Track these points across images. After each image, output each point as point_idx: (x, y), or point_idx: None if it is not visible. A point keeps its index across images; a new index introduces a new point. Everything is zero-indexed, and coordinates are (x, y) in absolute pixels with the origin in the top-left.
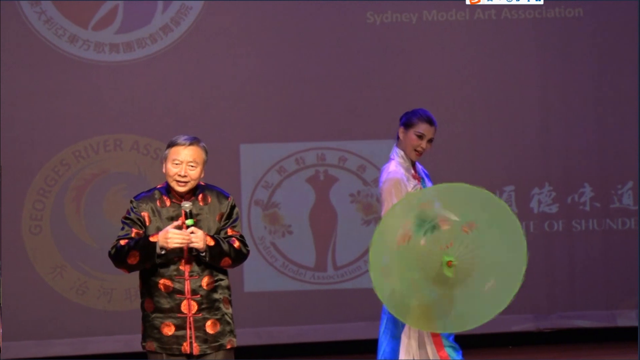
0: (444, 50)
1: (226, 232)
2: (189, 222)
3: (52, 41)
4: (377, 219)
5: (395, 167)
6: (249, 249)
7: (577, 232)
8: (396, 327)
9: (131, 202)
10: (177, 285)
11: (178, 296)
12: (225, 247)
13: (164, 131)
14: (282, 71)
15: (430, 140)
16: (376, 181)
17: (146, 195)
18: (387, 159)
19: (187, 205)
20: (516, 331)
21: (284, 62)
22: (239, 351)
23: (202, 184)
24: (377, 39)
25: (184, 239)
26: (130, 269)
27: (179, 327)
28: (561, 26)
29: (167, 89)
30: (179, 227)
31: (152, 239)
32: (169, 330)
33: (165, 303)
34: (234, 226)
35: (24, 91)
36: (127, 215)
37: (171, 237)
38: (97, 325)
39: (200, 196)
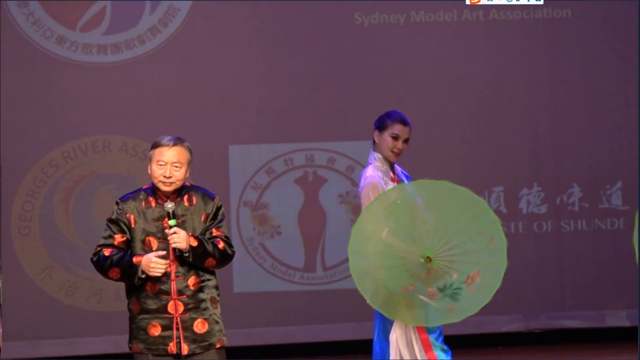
0: (432, 51)
1: (211, 233)
2: (172, 222)
3: (39, 43)
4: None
5: (373, 172)
6: (234, 249)
7: (566, 232)
8: (387, 329)
9: (117, 203)
10: (163, 286)
11: (164, 297)
12: (209, 247)
13: (153, 132)
14: (271, 72)
15: (406, 141)
16: None
17: (132, 196)
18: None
19: (169, 205)
20: (506, 332)
21: (272, 63)
22: (228, 352)
23: (188, 184)
24: (365, 40)
25: (165, 269)
26: (110, 279)
27: (165, 328)
28: (549, 27)
29: (155, 91)
30: (164, 257)
31: (135, 261)
32: (155, 330)
33: (152, 304)
34: (219, 227)
35: (12, 93)
36: (111, 217)
37: (153, 266)
38: (87, 326)
39: (185, 197)
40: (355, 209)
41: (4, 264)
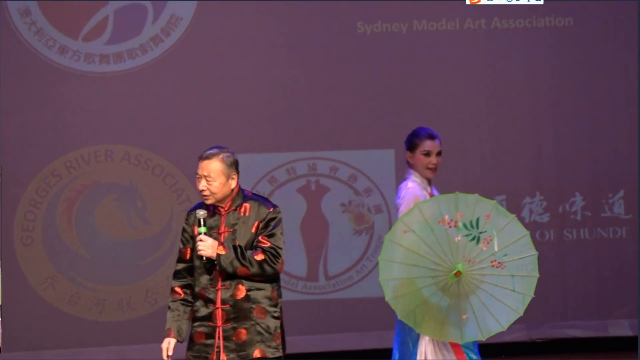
0: (435, 60)
1: (258, 242)
2: (201, 229)
3: (42, 52)
4: (369, 229)
5: (413, 184)
6: (279, 261)
7: (568, 241)
8: (403, 332)
9: (187, 214)
10: (211, 295)
11: (211, 305)
12: (240, 257)
13: (155, 142)
14: (273, 82)
15: (438, 154)
16: (367, 190)
17: (197, 207)
18: (379, 168)
19: (201, 213)
20: (509, 341)
21: (274, 72)
22: None
23: (249, 193)
24: (367, 49)
25: (207, 254)
26: None
27: (208, 336)
28: (551, 35)
29: (157, 100)
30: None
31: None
32: (200, 338)
33: (202, 311)
34: (268, 236)
35: (14, 102)
36: (183, 229)
37: (199, 245)
38: (89, 336)
39: (241, 207)
40: (358, 218)
41: (6, 273)
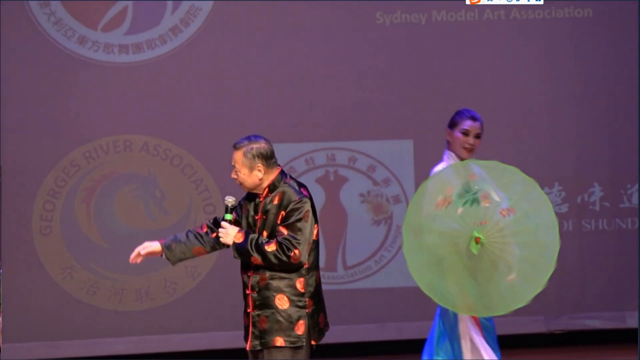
0: (453, 50)
1: (277, 231)
2: (226, 216)
3: (61, 42)
4: (387, 219)
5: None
6: (290, 253)
7: (587, 231)
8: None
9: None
10: (245, 280)
11: (246, 292)
12: (253, 247)
13: (174, 132)
14: (292, 71)
15: (477, 136)
16: (386, 181)
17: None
18: (398, 158)
19: (229, 200)
20: (527, 333)
21: (293, 62)
22: (235, 352)
23: (288, 181)
24: (386, 39)
25: (227, 241)
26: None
27: (245, 321)
28: (571, 26)
29: (176, 90)
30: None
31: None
32: (243, 321)
33: (243, 298)
34: (287, 226)
35: (33, 92)
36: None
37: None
38: (107, 326)
39: (276, 195)
40: (377, 209)
41: (25, 263)
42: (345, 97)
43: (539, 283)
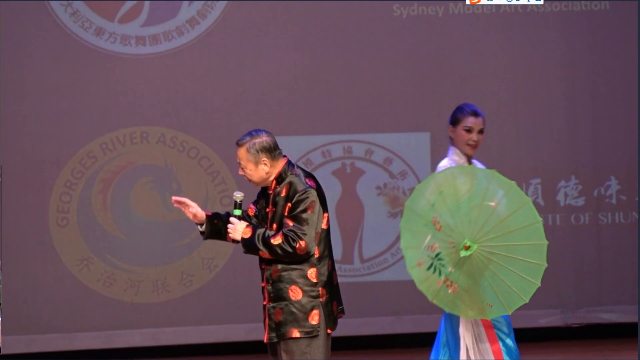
0: (470, 42)
1: (284, 222)
2: (235, 212)
3: (78, 34)
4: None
5: (447, 163)
6: (296, 244)
7: (603, 225)
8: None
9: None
10: (262, 273)
11: (262, 284)
12: (259, 241)
13: (190, 124)
14: (309, 64)
15: (480, 132)
16: (402, 173)
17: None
18: (414, 151)
19: (237, 195)
20: (544, 326)
21: (310, 55)
22: (252, 344)
23: (295, 172)
24: (403, 31)
25: (234, 236)
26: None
27: (263, 313)
28: (587, 19)
29: (193, 82)
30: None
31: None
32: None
33: (261, 291)
34: (292, 217)
35: (50, 84)
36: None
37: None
38: (124, 318)
39: (284, 186)
40: (393, 201)
41: (41, 254)
42: (361, 90)
43: (533, 285)
